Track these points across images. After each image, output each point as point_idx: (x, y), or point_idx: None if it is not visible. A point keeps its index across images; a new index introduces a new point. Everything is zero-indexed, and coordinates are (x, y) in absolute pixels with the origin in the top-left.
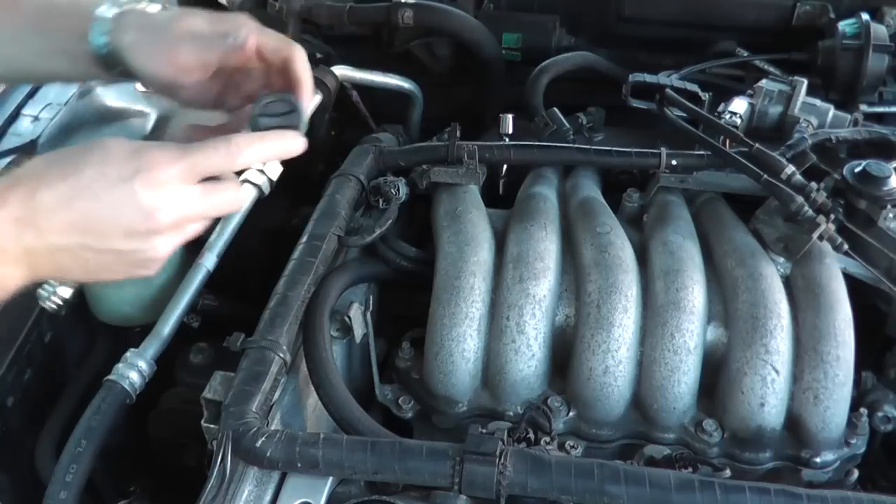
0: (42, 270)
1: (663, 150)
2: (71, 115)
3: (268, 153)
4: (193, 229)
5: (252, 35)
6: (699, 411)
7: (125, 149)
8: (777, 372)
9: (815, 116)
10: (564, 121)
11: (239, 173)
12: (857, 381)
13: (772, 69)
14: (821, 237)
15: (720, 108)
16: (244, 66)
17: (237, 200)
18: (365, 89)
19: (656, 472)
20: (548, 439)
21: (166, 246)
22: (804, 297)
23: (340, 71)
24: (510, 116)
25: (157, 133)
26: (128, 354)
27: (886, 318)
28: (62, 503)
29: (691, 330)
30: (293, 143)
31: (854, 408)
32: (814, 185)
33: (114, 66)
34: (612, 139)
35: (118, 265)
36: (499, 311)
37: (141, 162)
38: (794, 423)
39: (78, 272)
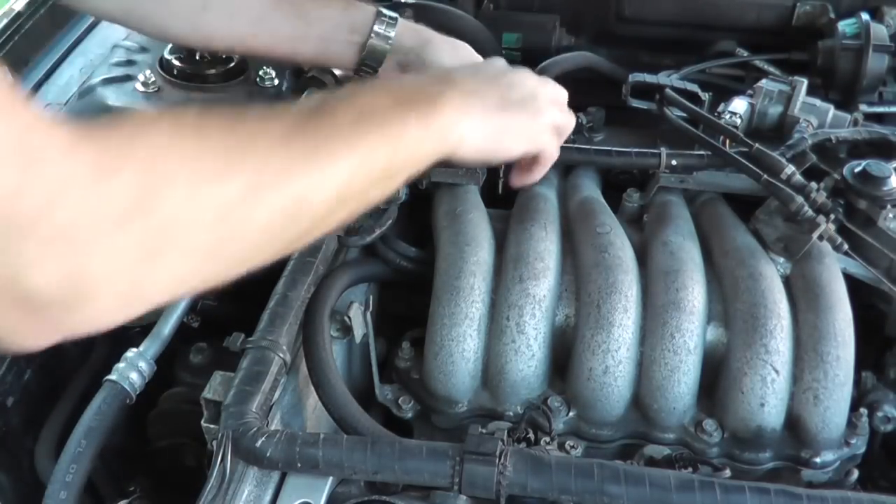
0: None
1: (663, 150)
2: (71, 115)
3: None
4: (565, 124)
5: None
6: (699, 411)
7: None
8: (777, 372)
9: (815, 116)
10: None
11: None
12: (857, 381)
13: (772, 69)
14: (821, 237)
15: (720, 108)
16: None
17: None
18: None
19: (656, 472)
20: (548, 439)
21: (549, 113)
22: (804, 297)
23: (340, 70)
24: None
25: None
26: (128, 354)
27: (886, 318)
28: (62, 503)
29: (691, 330)
30: None
31: (854, 408)
32: (814, 185)
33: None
34: (612, 139)
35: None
36: (499, 311)
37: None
38: (794, 424)
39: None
